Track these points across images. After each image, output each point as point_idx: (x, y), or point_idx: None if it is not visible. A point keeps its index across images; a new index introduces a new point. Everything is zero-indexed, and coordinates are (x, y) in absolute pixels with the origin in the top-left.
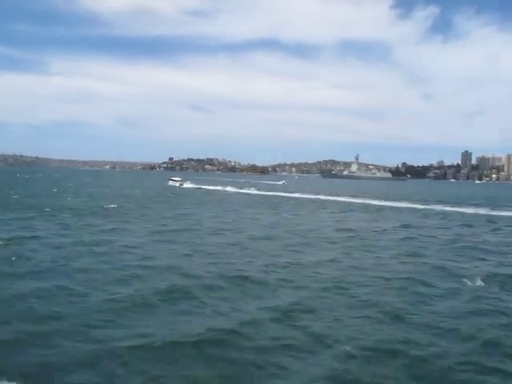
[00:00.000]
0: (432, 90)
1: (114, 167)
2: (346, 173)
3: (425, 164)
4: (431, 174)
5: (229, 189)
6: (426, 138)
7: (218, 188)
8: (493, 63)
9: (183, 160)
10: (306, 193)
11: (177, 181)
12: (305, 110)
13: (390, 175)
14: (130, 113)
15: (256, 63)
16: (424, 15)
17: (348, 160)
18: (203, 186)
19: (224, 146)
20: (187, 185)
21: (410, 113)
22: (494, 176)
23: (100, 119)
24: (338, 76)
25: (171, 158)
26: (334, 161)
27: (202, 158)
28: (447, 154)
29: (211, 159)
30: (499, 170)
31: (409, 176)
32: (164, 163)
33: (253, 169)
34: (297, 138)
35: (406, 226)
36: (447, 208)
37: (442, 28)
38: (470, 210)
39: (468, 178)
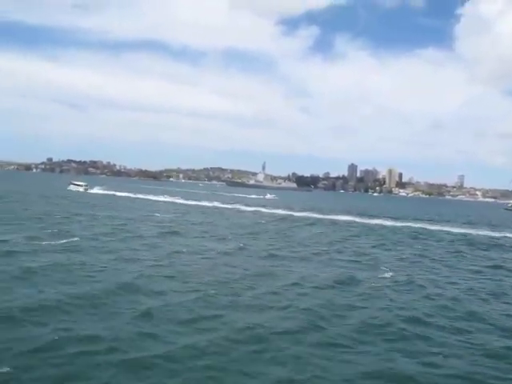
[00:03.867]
0: (311, 104)
1: None
2: (252, 182)
3: (307, 174)
4: (321, 185)
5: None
6: (307, 149)
7: (151, 197)
8: (363, 85)
9: (63, 161)
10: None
11: (80, 185)
12: (188, 115)
13: (295, 185)
14: None
15: (138, 64)
16: (307, 34)
17: (235, 168)
18: (125, 194)
19: (105, 148)
20: (95, 190)
21: (293, 125)
22: (377, 188)
23: None
24: (221, 83)
25: (50, 159)
26: (221, 168)
27: (84, 159)
28: (326, 165)
29: (95, 162)
30: (380, 183)
31: (312, 187)
32: (42, 164)
33: (145, 174)
34: (179, 143)
35: None
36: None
37: (322, 47)
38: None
39: (355, 190)
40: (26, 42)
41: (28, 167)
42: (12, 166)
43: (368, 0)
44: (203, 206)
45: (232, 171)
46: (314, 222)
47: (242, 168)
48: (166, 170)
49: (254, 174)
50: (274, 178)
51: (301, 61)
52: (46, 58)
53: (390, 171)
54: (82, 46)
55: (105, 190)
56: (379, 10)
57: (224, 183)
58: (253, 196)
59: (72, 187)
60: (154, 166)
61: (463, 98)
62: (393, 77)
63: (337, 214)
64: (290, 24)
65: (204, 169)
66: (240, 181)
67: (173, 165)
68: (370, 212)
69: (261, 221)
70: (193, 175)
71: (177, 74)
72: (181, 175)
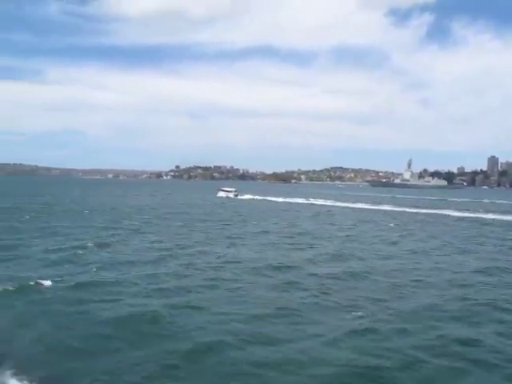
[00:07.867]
0: (429, 95)
1: (117, 176)
2: (397, 181)
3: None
4: (457, 181)
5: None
6: (430, 144)
7: (330, 203)
8: (488, 69)
9: (190, 168)
10: None
11: (230, 191)
12: (300, 116)
13: (445, 183)
14: (128, 122)
15: (251, 71)
16: (419, 23)
17: (355, 167)
18: (296, 200)
19: (224, 153)
20: (244, 196)
21: (413, 118)
22: None
23: (97, 128)
24: (333, 82)
25: (178, 166)
26: (342, 168)
27: (208, 165)
28: (456, 159)
29: (219, 167)
30: None
31: (465, 184)
32: (171, 171)
33: (274, 176)
34: (294, 144)
35: None
36: None
37: (437, 35)
38: None
39: (499, 185)
40: (150, 61)
41: (159, 175)
42: (145, 175)
43: None
44: None
45: (354, 170)
46: None
47: (363, 167)
48: (287, 172)
49: (376, 172)
50: (421, 176)
51: (415, 51)
52: (168, 74)
53: None
54: (199, 58)
55: (255, 195)
56: None
57: (367, 183)
58: None
59: (221, 193)
60: (273, 169)
61: None
62: None
63: None
64: (400, 14)
65: (325, 169)
66: (385, 180)
67: (292, 167)
68: None
69: None
70: (314, 176)
71: (289, 77)
72: (303, 177)
